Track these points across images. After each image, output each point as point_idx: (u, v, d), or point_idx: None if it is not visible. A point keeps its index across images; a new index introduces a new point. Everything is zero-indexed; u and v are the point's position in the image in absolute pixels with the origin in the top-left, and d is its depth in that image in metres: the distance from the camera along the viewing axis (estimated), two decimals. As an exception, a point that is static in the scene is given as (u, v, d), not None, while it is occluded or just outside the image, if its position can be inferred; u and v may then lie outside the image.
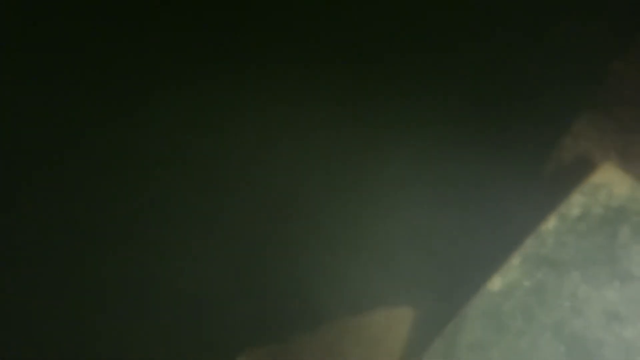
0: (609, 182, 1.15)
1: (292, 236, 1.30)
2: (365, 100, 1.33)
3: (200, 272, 1.25)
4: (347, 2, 1.30)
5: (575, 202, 1.16)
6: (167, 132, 1.27)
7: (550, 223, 1.16)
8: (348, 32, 1.31)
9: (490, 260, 1.23)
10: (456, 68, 1.32)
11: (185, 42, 1.27)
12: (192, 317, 1.25)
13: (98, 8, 1.20)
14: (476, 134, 1.32)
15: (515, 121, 1.31)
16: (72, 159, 1.24)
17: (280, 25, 1.30)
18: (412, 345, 1.28)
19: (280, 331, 1.26)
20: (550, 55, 1.31)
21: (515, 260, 1.15)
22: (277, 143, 1.29)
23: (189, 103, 1.26)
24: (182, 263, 1.25)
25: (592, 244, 1.11)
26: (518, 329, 1.11)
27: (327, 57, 1.31)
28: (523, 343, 1.09)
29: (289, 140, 1.30)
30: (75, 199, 1.24)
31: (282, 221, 1.30)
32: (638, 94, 1.27)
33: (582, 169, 1.25)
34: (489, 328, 1.13)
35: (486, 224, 1.31)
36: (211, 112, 1.28)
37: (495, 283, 1.16)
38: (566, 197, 1.18)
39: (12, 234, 1.21)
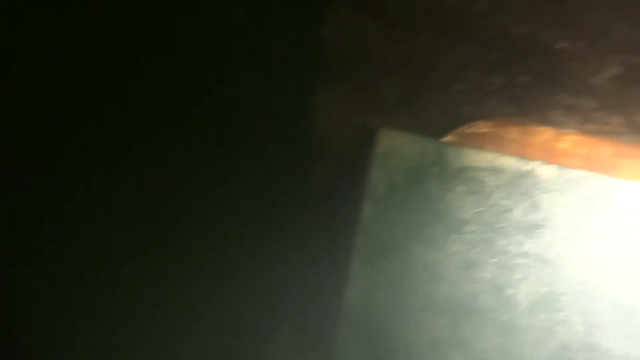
0: (394, 146, 1.11)
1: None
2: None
3: None
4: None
5: (376, 180, 1.10)
6: None
7: (367, 210, 1.08)
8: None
9: (334, 275, 1.12)
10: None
11: None
12: None
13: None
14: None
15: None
16: None
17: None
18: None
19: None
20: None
21: (356, 264, 1.04)
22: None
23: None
24: None
25: (414, 211, 1.07)
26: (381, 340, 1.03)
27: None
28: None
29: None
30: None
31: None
32: (358, 50, 1.25)
33: (359, 144, 1.20)
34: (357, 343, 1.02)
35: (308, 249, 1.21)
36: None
37: (352, 296, 1.05)
38: (365, 179, 1.12)
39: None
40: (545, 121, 1.08)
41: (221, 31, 1.27)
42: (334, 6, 1.24)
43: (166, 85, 1.23)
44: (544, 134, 1.07)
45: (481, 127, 1.12)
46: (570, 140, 1.06)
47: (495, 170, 1.05)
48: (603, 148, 1.04)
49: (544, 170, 1.03)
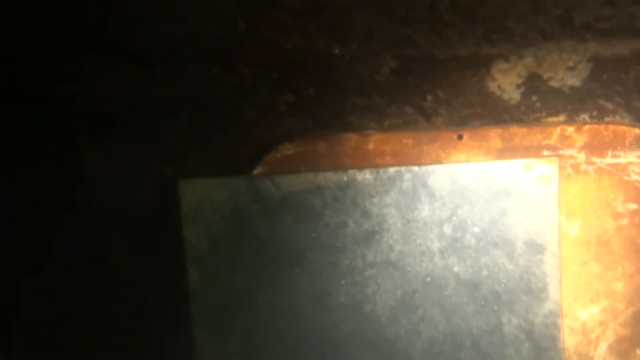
0: (201, 194, 0.98)
1: None
2: None
3: None
4: None
5: (193, 238, 0.96)
6: None
7: (193, 274, 0.94)
8: None
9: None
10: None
11: None
12: None
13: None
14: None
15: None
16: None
17: None
18: None
19: None
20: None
21: (199, 337, 0.90)
22: None
23: None
24: None
25: (247, 258, 0.96)
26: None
27: None
28: None
29: None
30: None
31: None
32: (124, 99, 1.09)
33: (161, 203, 1.04)
34: None
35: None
36: None
37: None
38: (180, 241, 0.97)
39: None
40: (346, 127, 1.06)
41: None
42: (79, 60, 1.04)
43: None
44: (350, 140, 1.05)
45: (288, 150, 1.04)
46: (375, 141, 1.05)
47: (318, 189, 0.99)
48: (405, 140, 1.05)
49: (363, 176, 1.00)
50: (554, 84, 1.05)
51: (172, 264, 1.02)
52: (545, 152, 1.05)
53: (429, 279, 1.01)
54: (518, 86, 1.05)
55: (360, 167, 1.01)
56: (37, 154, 1.07)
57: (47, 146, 1.05)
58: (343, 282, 1.00)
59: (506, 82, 1.05)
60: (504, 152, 1.06)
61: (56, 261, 1.05)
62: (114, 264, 1.06)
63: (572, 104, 1.06)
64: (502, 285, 1.02)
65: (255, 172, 1.04)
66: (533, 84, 1.05)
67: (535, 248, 1.02)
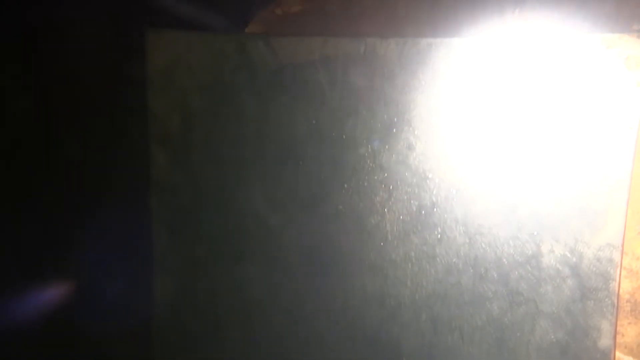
0: (176, 54, 0.74)
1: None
2: None
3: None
4: None
5: (161, 111, 0.73)
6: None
7: (159, 158, 0.72)
8: None
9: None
10: None
11: None
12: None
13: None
14: None
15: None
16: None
17: None
18: None
19: None
20: None
21: (160, 239, 0.70)
22: None
23: None
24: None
25: (228, 143, 0.73)
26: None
27: None
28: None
29: None
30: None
31: None
32: None
33: (123, 60, 0.80)
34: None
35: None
36: None
37: (162, 288, 0.71)
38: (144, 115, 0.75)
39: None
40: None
41: None
42: None
43: None
44: None
45: (291, 5, 0.78)
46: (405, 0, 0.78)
47: (326, 61, 0.74)
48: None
49: (385, 47, 0.75)
50: None
51: (134, 145, 0.81)
52: (637, 26, 0.78)
53: (454, 192, 0.79)
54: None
55: (383, 35, 0.76)
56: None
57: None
58: (345, 185, 0.78)
59: None
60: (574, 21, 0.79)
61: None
62: (64, 147, 0.85)
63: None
64: (547, 205, 0.80)
65: (247, 30, 0.79)
66: None
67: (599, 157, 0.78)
